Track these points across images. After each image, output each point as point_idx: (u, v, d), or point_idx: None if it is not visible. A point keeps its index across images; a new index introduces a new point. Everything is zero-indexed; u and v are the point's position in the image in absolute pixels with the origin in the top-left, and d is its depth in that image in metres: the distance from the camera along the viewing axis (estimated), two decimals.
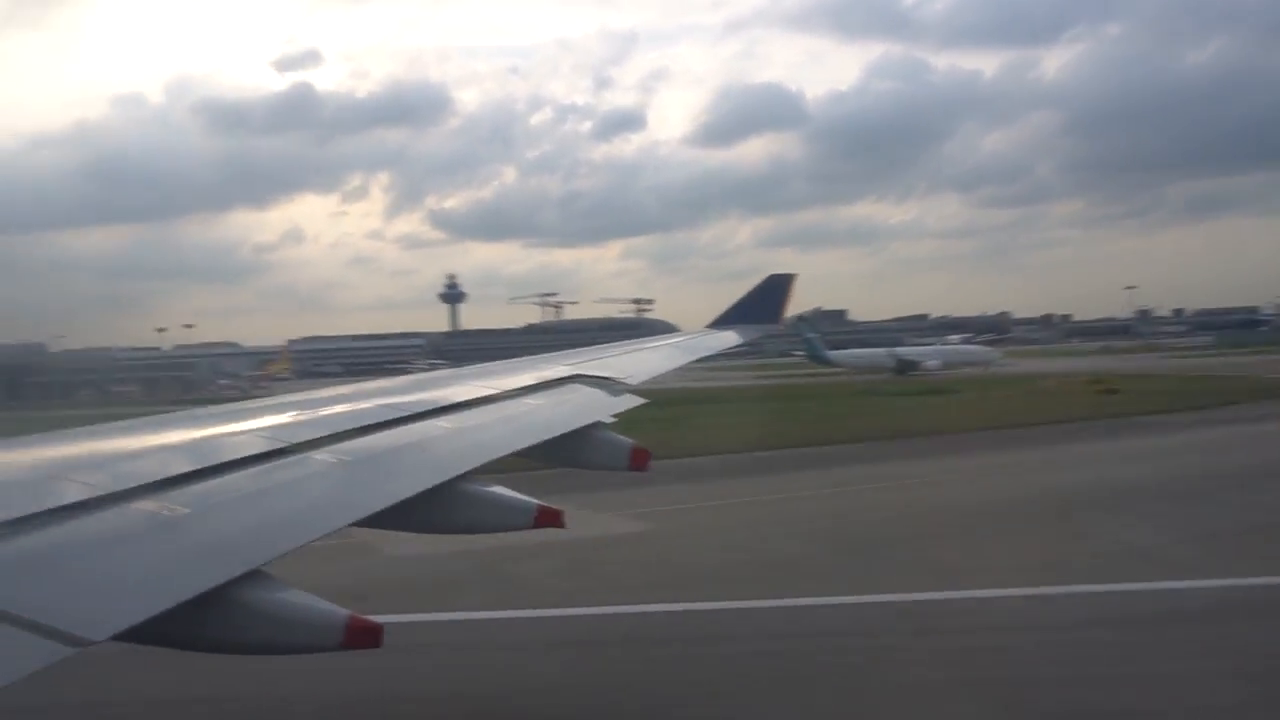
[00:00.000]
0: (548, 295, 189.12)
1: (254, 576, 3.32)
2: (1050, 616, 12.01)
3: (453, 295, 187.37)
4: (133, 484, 3.43)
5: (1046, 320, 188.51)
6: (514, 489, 4.99)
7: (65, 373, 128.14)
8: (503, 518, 4.92)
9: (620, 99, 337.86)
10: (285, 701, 9.38)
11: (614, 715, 9.57)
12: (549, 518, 4.91)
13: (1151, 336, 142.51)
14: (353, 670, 8.44)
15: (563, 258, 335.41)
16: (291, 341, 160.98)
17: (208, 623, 3.26)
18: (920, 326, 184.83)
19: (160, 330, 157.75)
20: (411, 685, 9.85)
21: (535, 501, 4.94)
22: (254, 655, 3.63)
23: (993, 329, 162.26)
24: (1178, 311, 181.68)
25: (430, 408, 5.49)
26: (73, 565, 2.95)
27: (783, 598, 12.97)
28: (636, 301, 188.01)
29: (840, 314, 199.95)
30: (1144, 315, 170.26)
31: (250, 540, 3.45)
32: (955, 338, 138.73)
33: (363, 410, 5.22)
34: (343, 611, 3.50)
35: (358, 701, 9.53)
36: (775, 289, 13.45)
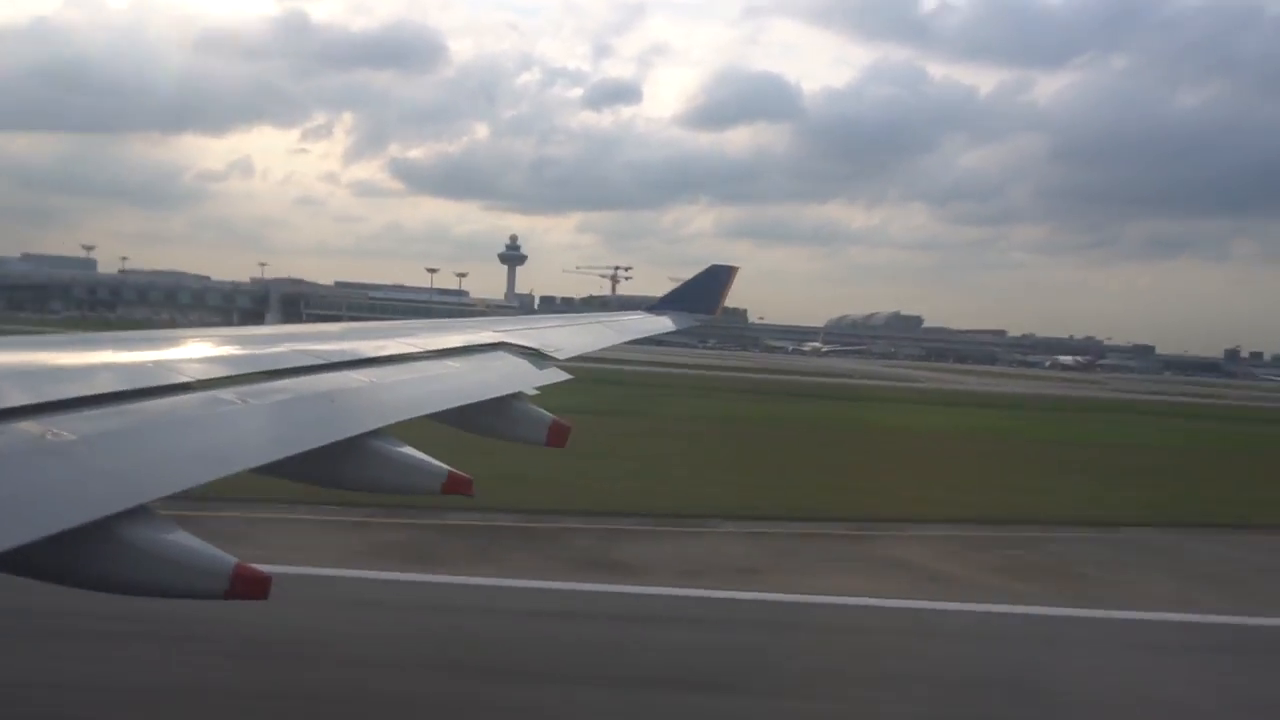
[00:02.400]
0: (617, 269, 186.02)
1: (137, 513, 3.25)
2: None
3: (513, 256, 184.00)
4: (15, 404, 3.31)
5: (1142, 351, 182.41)
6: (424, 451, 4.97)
7: (340, 308, 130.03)
8: (411, 480, 4.89)
9: (615, 69, 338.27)
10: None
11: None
12: (458, 485, 4.90)
13: (1245, 376, 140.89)
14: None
15: (517, 223, 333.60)
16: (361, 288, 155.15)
17: (84, 557, 3.18)
18: (1001, 342, 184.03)
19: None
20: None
21: (445, 467, 4.92)
22: (130, 596, 3.56)
23: (1087, 353, 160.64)
24: (1256, 355, 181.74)
25: (347, 359, 5.41)
26: None
27: None
28: None
29: (916, 320, 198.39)
30: (1232, 354, 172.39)
31: (137, 476, 3.37)
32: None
33: (276, 354, 5.11)
34: (229, 558, 3.45)
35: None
36: (716, 280, 13.62)
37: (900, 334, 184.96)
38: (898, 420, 41.50)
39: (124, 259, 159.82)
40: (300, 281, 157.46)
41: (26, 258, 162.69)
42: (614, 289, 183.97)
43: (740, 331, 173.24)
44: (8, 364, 3.99)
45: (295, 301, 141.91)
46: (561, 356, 7.66)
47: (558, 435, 6.22)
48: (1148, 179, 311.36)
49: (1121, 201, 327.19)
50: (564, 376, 7.20)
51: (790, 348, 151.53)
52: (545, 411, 6.32)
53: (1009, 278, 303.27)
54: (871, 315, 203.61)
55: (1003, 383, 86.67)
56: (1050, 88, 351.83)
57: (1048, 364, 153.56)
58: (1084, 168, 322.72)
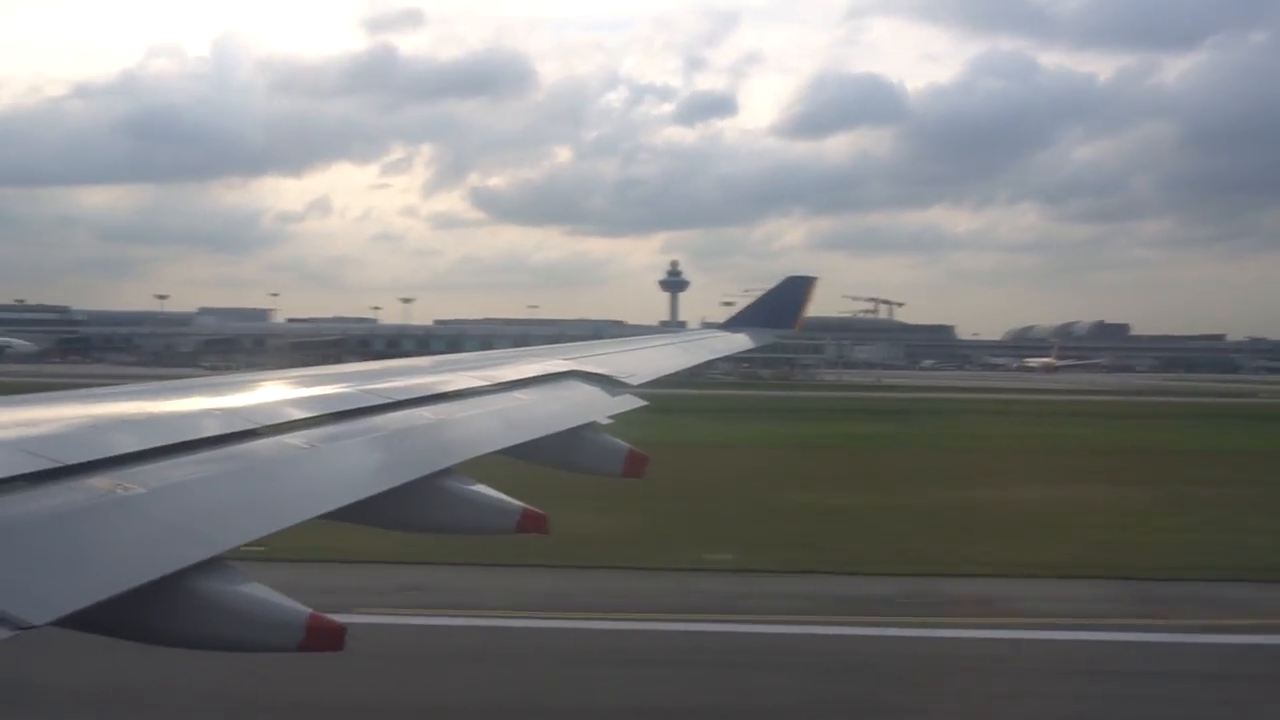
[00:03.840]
0: None
1: (211, 566, 3.28)
2: None
3: (675, 283, 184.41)
4: (87, 458, 3.38)
5: None
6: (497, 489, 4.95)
7: None
8: (484, 519, 4.86)
9: (707, 82, 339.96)
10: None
11: None
12: (533, 522, 4.86)
13: None
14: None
15: (597, 247, 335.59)
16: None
17: (158, 612, 3.21)
18: (1220, 347, 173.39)
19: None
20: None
21: (519, 504, 4.89)
22: (204, 650, 3.59)
23: None
24: None
25: (413, 396, 5.44)
26: (15, 543, 2.90)
27: None
28: (873, 300, 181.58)
29: (1122, 328, 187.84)
30: None
31: (209, 527, 3.40)
32: None
33: (341, 394, 5.16)
34: (304, 609, 3.45)
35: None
36: (794, 292, 13.39)
37: (1110, 343, 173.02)
38: None
39: (377, 308, 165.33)
40: (617, 323, 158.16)
41: (205, 311, 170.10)
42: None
43: (952, 349, 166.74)
44: (80, 416, 4.09)
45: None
46: (635, 382, 7.61)
47: (635, 466, 6.15)
48: None
49: (1256, 188, 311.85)
50: (638, 403, 7.14)
51: (1015, 364, 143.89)
52: (621, 441, 6.26)
53: (1127, 276, 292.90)
54: (1070, 324, 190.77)
55: None
56: (1177, 70, 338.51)
57: None
58: (1215, 154, 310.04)
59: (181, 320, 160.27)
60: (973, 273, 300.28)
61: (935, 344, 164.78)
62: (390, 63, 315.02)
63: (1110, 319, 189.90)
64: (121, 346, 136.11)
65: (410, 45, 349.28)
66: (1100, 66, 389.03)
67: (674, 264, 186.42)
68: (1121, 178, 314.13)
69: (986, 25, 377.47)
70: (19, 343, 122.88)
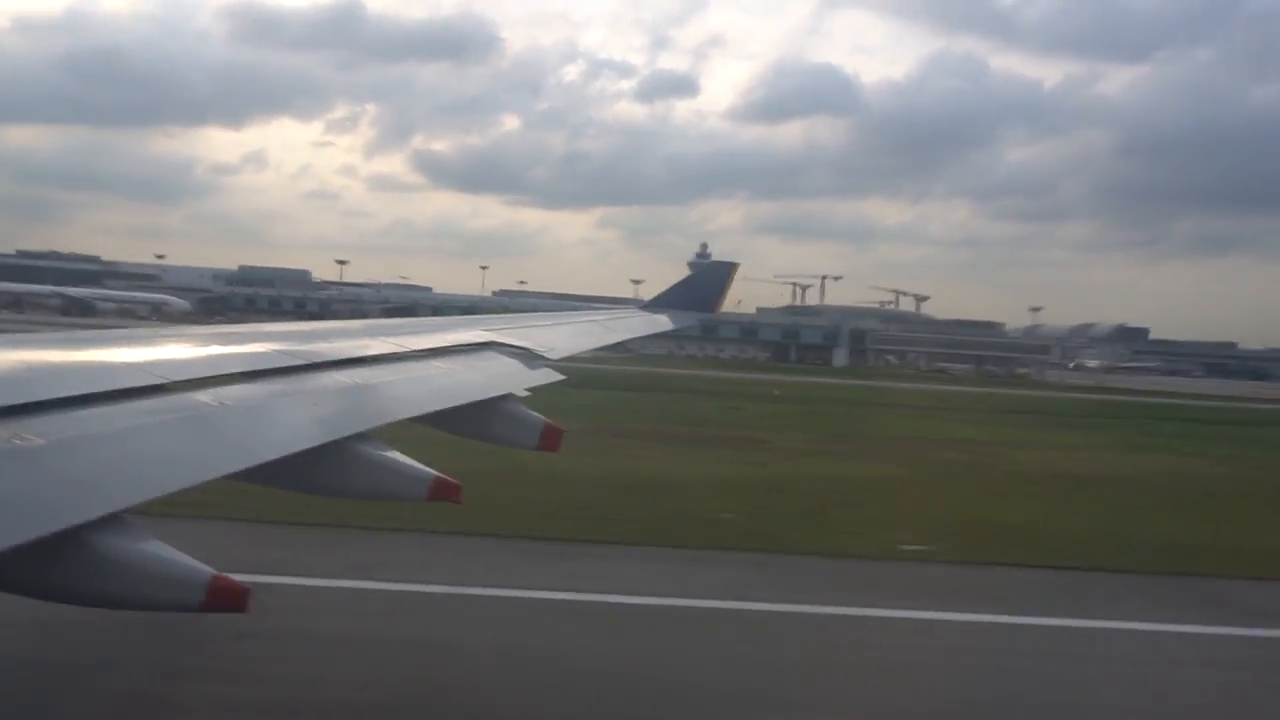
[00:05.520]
0: (824, 278, 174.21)
1: (111, 522, 3.23)
2: None
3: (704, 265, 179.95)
4: None
5: None
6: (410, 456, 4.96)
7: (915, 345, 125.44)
8: (396, 486, 4.88)
9: (670, 61, 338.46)
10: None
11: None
12: (445, 491, 4.88)
13: None
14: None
15: (532, 218, 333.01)
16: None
17: (55, 568, 3.16)
18: (1239, 354, 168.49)
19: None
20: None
21: (432, 472, 4.91)
22: (104, 608, 3.54)
23: None
24: None
25: (330, 359, 5.39)
26: None
27: None
28: (894, 291, 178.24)
29: (1142, 332, 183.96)
30: None
31: (110, 482, 3.34)
32: None
33: (256, 354, 5.09)
34: (207, 569, 3.43)
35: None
36: (716, 277, 13.61)
37: (1131, 347, 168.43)
38: None
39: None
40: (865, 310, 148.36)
41: (246, 269, 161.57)
42: (809, 297, 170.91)
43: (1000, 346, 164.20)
44: None
45: (861, 338, 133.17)
46: (554, 356, 7.66)
47: (550, 439, 6.21)
48: (1208, 175, 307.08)
49: (1176, 198, 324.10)
50: (557, 377, 7.19)
51: (1071, 364, 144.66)
52: (537, 414, 6.31)
53: (1043, 276, 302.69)
54: (1087, 326, 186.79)
55: None
56: (1121, 81, 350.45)
57: None
58: (1145, 163, 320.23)
59: (299, 279, 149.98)
60: (897, 265, 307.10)
61: (985, 340, 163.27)
62: (357, 19, 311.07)
63: (1083, 320, 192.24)
64: (269, 309, 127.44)
65: (380, 2, 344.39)
66: (1049, 72, 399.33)
67: (703, 246, 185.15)
68: (1054, 180, 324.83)
69: (949, 24, 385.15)
70: (176, 301, 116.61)
